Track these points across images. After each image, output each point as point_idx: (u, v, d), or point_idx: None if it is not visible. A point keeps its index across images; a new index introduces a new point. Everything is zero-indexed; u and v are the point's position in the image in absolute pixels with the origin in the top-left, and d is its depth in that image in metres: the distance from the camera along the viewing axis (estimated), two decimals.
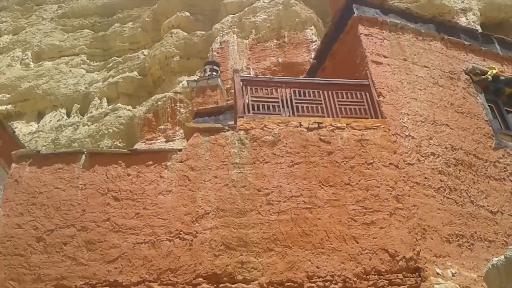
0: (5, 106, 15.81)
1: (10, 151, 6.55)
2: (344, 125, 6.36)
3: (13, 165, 6.04)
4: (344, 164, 6.01)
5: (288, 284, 5.27)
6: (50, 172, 5.93)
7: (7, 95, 16.20)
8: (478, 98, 7.58)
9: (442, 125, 6.85)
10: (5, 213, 5.69)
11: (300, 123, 6.36)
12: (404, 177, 5.95)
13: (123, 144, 14.24)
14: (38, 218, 5.62)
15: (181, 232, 5.58)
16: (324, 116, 6.55)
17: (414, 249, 5.39)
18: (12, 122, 14.07)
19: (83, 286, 5.23)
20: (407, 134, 6.44)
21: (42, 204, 5.71)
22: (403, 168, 6.03)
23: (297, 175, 5.95)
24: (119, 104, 15.54)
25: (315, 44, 14.46)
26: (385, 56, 7.24)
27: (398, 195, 5.78)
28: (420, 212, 5.70)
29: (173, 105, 14.39)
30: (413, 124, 6.61)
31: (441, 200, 6.00)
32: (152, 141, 13.91)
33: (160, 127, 14.36)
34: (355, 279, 5.26)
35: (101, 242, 5.48)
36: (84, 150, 6.30)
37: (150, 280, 5.26)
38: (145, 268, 5.34)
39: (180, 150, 6.21)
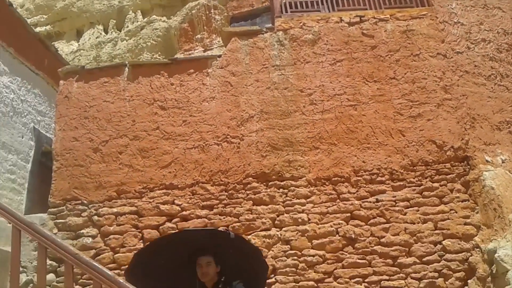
0: (44, 27, 15.94)
1: (55, 69, 6.73)
2: (388, 16, 6.06)
3: (61, 82, 6.23)
4: (389, 57, 5.82)
5: (335, 178, 5.41)
6: (97, 86, 6.10)
7: (44, 16, 16.28)
8: None
9: (493, 9, 6.40)
10: (60, 128, 5.99)
11: (340, 18, 6.11)
12: (452, 66, 5.72)
13: (162, 56, 14.25)
14: (92, 130, 5.90)
15: (228, 136, 5.74)
16: (366, 9, 6.24)
17: (462, 139, 5.34)
18: (53, 43, 14.26)
19: (142, 190, 5.59)
20: (455, 21, 6.08)
21: (93, 117, 5.96)
22: (452, 57, 5.79)
23: (340, 73, 5.84)
24: (154, 16, 15.32)
25: None
26: None
27: (446, 85, 5.61)
28: (469, 101, 5.55)
29: (207, 12, 14.04)
30: (462, 10, 6.21)
31: (491, 87, 5.79)
32: (190, 52, 13.82)
33: (196, 37, 14.18)
34: (401, 170, 5.33)
35: (154, 149, 5.74)
36: (126, 62, 6.39)
37: (203, 182, 5.54)
38: (197, 171, 5.60)
39: (219, 56, 6.17)
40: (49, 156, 6.85)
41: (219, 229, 5.02)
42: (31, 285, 5.40)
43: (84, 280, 5.26)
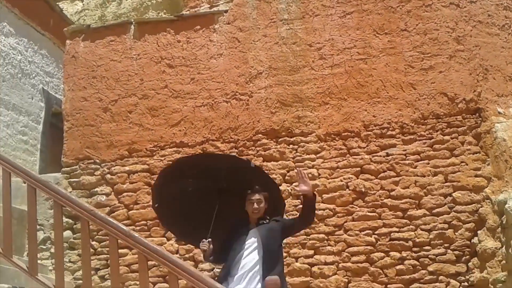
0: None
1: (61, 30, 6.67)
2: None
3: (68, 41, 6.20)
4: (400, 8, 5.65)
5: (345, 134, 5.40)
6: (104, 45, 6.05)
7: None
8: None
9: None
10: (69, 88, 6.01)
11: None
12: (465, 16, 5.55)
13: (167, 14, 14.00)
14: (101, 90, 5.91)
15: (237, 93, 5.71)
16: None
17: (474, 91, 5.25)
18: (58, 3, 14.06)
19: (153, 148, 5.65)
20: None
21: (102, 77, 5.95)
22: (465, 7, 5.60)
23: (350, 26, 5.70)
24: None
25: None
26: None
27: (459, 36, 5.46)
28: (482, 52, 5.42)
29: None
30: None
31: (505, 38, 5.62)
32: (196, 9, 13.56)
33: None
34: (412, 124, 5.28)
35: (163, 108, 5.75)
36: (132, 20, 6.31)
37: (213, 139, 5.57)
38: (207, 129, 5.62)
39: (226, 11, 6.05)
40: (59, 117, 6.90)
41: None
42: (48, 242, 5.57)
43: (100, 236, 5.42)
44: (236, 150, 5.50)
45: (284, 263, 4.97)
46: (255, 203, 3.53)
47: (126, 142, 5.71)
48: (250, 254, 3.43)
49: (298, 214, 4.02)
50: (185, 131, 5.65)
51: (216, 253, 3.60)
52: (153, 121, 5.73)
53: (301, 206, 4.61)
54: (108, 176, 5.66)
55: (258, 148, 5.50)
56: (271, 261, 3.42)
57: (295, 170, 3.69)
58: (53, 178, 5.63)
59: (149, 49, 5.97)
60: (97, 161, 5.74)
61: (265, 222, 3.58)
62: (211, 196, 3.67)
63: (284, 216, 4.18)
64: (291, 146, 5.48)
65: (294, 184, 5.30)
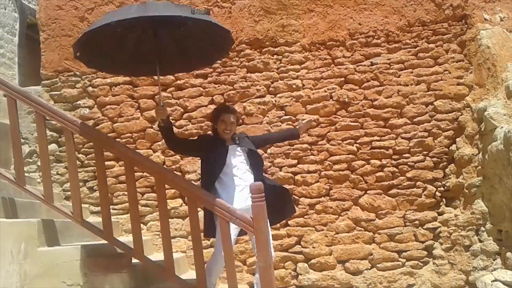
0: None
1: None
2: None
3: None
4: None
5: (330, 43, 5.31)
6: None
7: None
8: None
9: None
10: None
11: None
12: None
13: None
14: None
15: (219, 0, 5.50)
16: None
17: None
18: None
19: None
20: None
21: None
22: None
23: None
24: None
25: None
26: None
27: None
28: None
29: None
30: None
31: None
32: None
33: None
34: (398, 32, 5.20)
35: None
36: None
37: None
38: None
39: None
40: (35, 28, 6.60)
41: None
42: (35, 155, 5.60)
43: (86, 149, 5.45)
44: (220, 61, 5.39)
45: (268, 172, 5.15)
46: (228, 124, 3.56)
47: None
48: (243, 171, 3.49)
49: (279, 133, 4.79)
50: None
51: (181, 142, 3.81)
52: None
53: (286, 129, 5.08)
54: (90, 88, 5.57)
55: (241, 59, 5.42)
56: (259, 171, 3.61)
57: (309, 119, 4.25)
58: (34, 91, 5.50)
59: None
60: (77, 73, 5.62)
61: (237, 138, 3.64)
62: (144, 28, 3.47)
63: None
64: (275, 56, 5.40)
65: (278, 95, 5.30)
